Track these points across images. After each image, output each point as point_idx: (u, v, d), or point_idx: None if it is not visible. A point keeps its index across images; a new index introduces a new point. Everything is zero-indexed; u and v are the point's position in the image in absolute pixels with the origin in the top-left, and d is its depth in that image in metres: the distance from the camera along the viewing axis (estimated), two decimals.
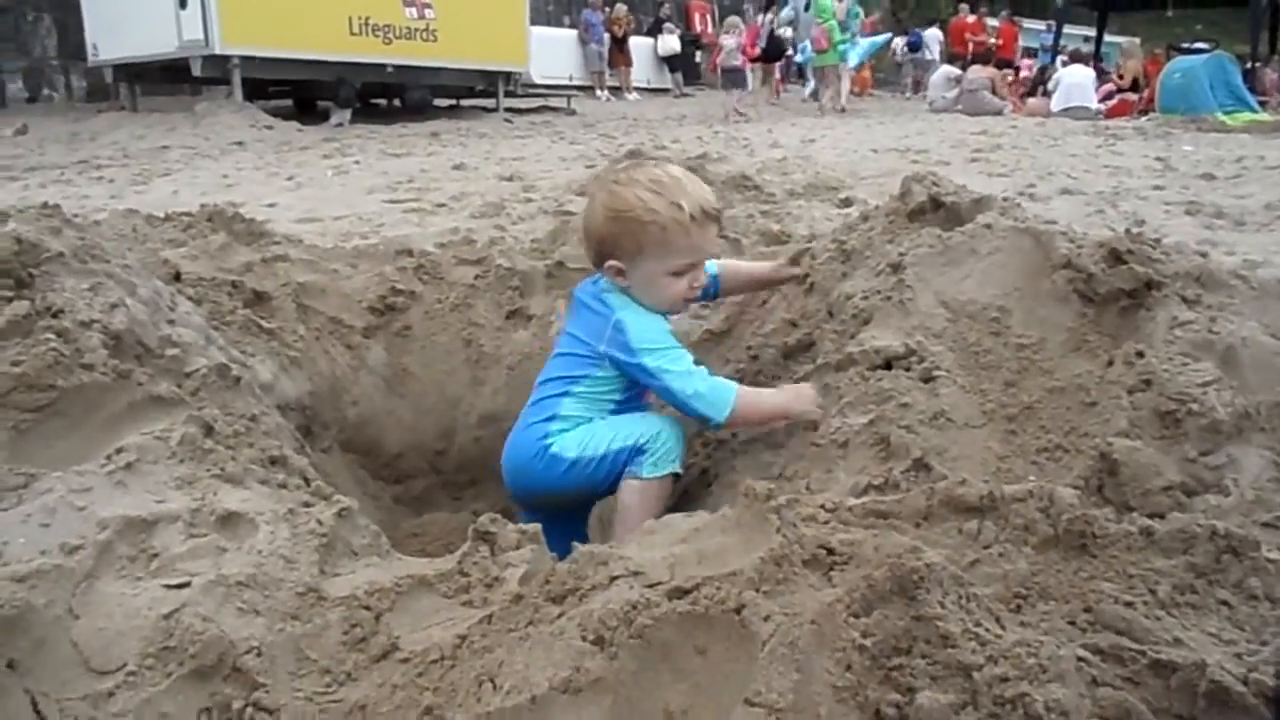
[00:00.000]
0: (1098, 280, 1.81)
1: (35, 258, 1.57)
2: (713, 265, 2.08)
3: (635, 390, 1.94)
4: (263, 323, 2.45)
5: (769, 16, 17.81)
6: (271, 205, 5.19)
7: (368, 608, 1.13)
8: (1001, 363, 1.79)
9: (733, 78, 14.92)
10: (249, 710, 0.98)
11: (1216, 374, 1.56)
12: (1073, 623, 0.98)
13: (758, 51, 16.85)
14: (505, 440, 2.63)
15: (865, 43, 18.59)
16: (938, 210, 2.19)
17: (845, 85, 16.14)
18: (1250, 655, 0.86)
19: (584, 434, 1.89)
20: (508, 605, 1.03)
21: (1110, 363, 1.68)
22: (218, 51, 11.30)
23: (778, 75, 19.02)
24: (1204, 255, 2.00)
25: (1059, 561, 1.08)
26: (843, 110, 15.08)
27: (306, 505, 1.39)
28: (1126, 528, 1.10)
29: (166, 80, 13.19)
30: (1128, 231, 1.94)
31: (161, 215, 3.02)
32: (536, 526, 1.30)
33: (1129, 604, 0.99)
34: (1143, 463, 1.45)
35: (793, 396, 1.83)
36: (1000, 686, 0.78)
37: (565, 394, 1.93)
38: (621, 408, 1.94)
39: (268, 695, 1.00)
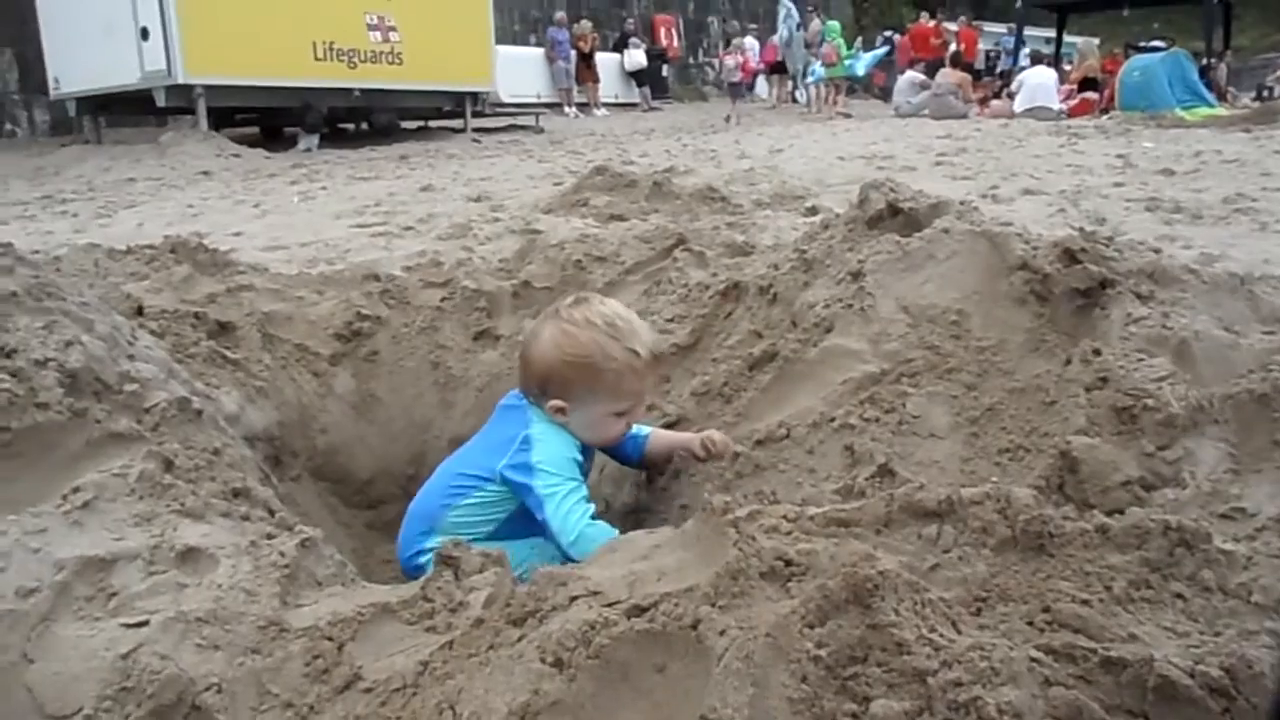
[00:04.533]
0: (1053, 280, 1.83)
1: None
2: (645, 429, 2.04)
3: (522, 508, 1.85)
4: (227, 354, 2.44)
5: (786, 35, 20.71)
6: (237, 234, 5.16)
7: (330, 638, 1.12)
8: (963, 365, 1.81)
9: (734, 90, 18.84)
10: None
11: (1171, 369, 1.59)
12: (1031, 623, 0.99)
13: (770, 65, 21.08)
14: None
15: (869, 55, 21.54)
16: (896, 216, 2.21)
17: (842, 95, 19.47)
18: (1200, 648, 0.87)
19: None
20: (469, 630, 1.03)
21: (1068, 361, 1.71)
22: (181, 81, 11.25)
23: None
24: (1157, 251, 2.03)
25: (1017, 562, 1.09)
26: (832, 117, 17.31)
27: (269, 537, 1.38)
28: (1082, 525, 1.11)
29: (131, 111, 13.11)
30: (1082, 231, 1.96)
31: (124, 248, 3.00)
32: (502, 550, 1.31)
33: (1085, 602, 1.00)
34: (1101, 459, 1.47)
35: None
36: (954, 691, 0.79)
37: (448, 506, 1.88)
38: (504, 527, 1.87)
39: None
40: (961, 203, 2.23)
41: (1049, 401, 1.67)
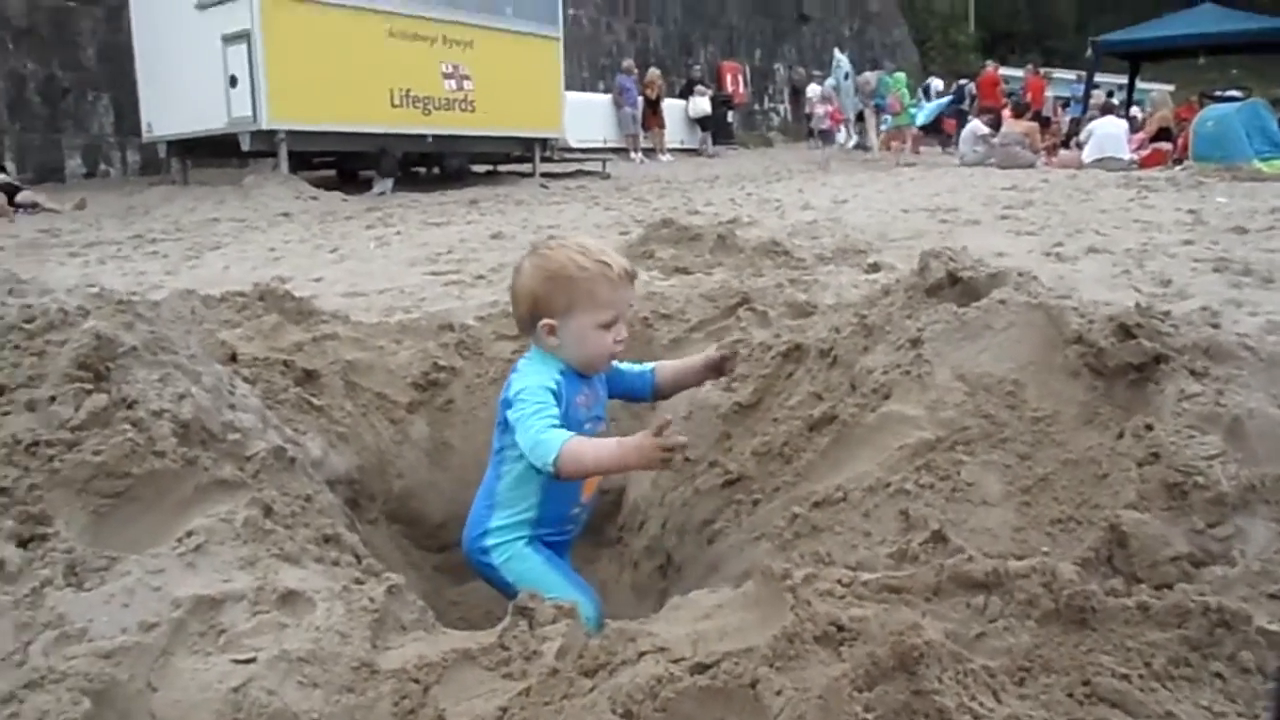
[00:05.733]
0: (1108, 354, 1.88)
1: (112, 352, 1.72)
2: (648, 366, 2.23)
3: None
4: (312, 400, 2.59)
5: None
6: (318, 280, 5.39)
7: (417, 680, 1.22)
8: (1017, 435, 1.86)
9: (825, 136, 20.07)
10: None
11: (1222, 446, 1.62)
12: (1071, 695, 1.05)
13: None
14: None
15: (931, 105, 22.47)
16: (955, 285, 2.28)
17: (909, 143, 20.37)
18: None
19: (524, 572, 2.00)
20: (545, 678, 1.12)
21: (1120, 435, 1.75)
22: (265, 127, 11.77)
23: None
24: (1215, 326, 2.07)
25: (1060, 635, 1.15)
26: (898, 163, 17.75)
27: (358, 582, 1.50)
28: (1124, 602, 1.17)
29: (215, 153, 13.72)
30: (1138, 305, 2.01)
31: (217, 295, 3.20)
32: (574, 603, 1.40)
33: (1125, 677, 1.06)
34: (1151, 534, 1.51)
35: (632, 449, 1.77)
36: None
37: (499, 478, 2.06)
38: (547, 492, 2.01)
39: None
40: (1020, 273, 2.29)
41: (1101, 474, 1.71)
